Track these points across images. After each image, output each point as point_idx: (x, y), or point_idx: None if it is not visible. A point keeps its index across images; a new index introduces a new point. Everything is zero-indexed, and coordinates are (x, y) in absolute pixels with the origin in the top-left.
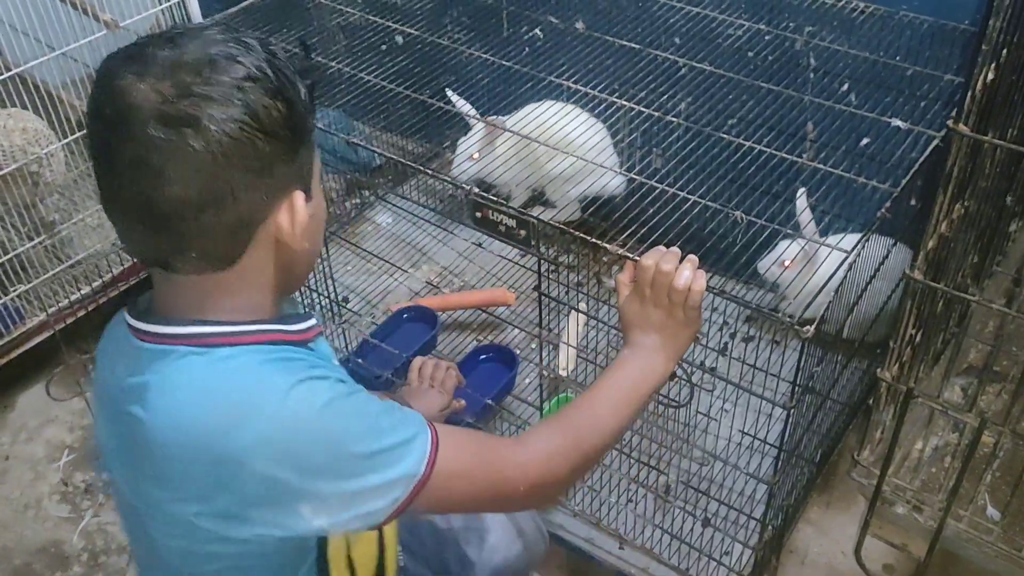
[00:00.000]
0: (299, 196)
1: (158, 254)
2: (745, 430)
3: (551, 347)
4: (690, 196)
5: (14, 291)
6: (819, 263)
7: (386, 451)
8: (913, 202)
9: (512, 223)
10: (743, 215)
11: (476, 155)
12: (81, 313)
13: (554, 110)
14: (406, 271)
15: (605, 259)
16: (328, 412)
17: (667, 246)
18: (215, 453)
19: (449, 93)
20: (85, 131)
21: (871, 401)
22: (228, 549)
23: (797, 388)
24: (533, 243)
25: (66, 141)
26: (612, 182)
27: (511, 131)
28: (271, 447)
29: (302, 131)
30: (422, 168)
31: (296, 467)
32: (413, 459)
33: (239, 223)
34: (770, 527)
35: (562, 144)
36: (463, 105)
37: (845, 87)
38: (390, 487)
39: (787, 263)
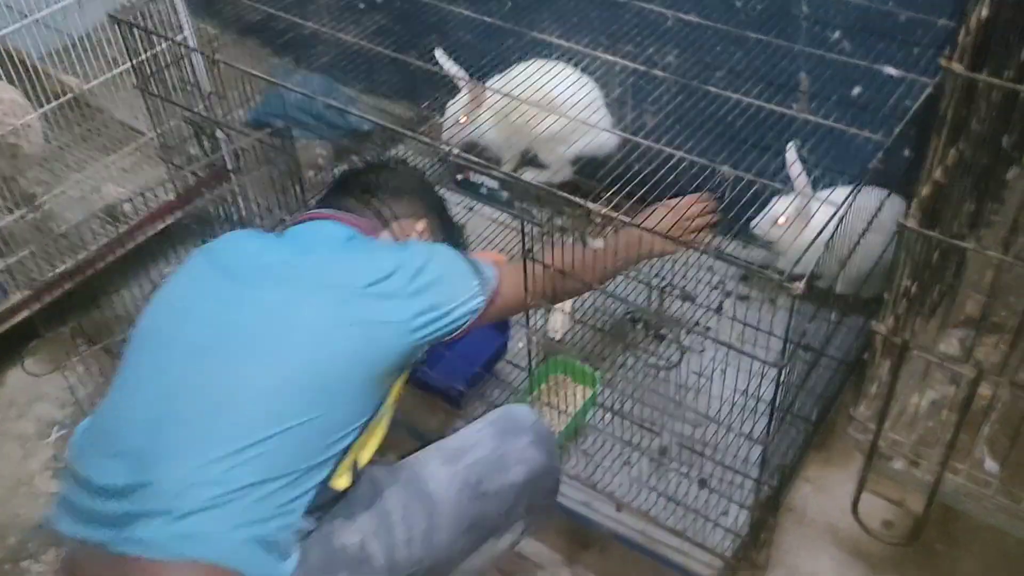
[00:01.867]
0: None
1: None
2: (739, 390)
3: (543, 311)
4: (675, 152)
5: None
6: (811, 217)
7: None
8: (907, 152)
9: (495, 184)
10: (731, 170)
11: (464, 118)
12: (66, 287)
13: (544, 69)
14: None
15: (598, 221)
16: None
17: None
18: None
19: (438, 54)
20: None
21: (866, 356)
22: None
23: (788, 345)
24: (516, 205)
25: (43, 111)
26: (606, 141)
27: (498, 92)
28: None
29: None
30: (411, 133)
31: None
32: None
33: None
34: (766, 487)
35: (552, 104)
36: (451, 66)
37: (837, 35)
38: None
39: (782, 221)
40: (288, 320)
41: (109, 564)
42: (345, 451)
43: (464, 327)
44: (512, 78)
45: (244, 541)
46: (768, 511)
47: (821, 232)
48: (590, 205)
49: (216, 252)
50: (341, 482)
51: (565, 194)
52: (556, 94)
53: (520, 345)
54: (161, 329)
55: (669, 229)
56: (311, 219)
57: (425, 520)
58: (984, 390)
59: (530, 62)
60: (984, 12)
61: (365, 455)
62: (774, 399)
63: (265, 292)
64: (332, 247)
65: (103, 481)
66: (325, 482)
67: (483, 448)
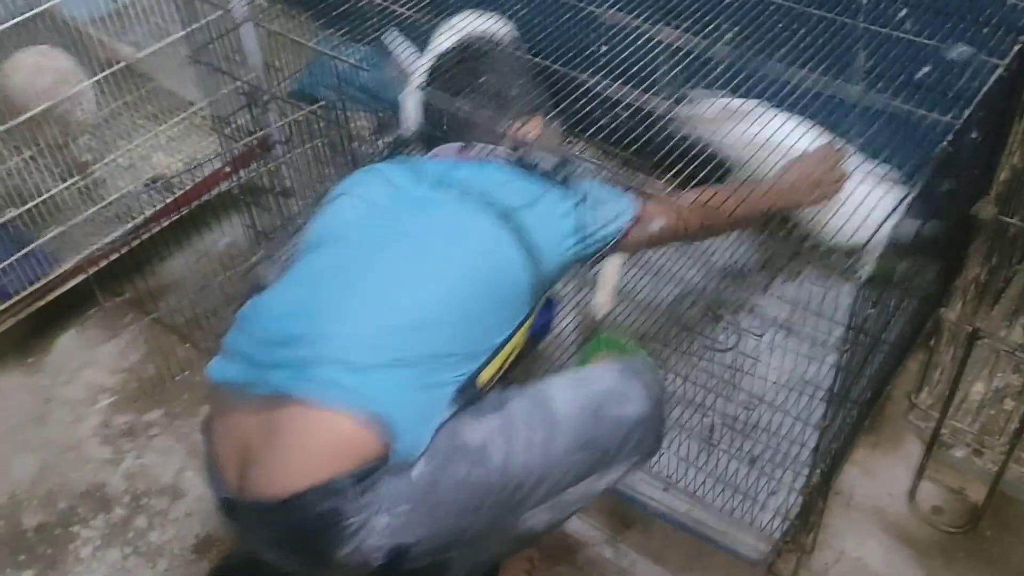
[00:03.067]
0: None
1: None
2: (793, 371)
3: (589, 288)
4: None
5: (48, 233)
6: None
7: None
8: (975, 134)
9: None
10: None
11: None
12: (114, 256)
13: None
14: None
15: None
16: None
17: (703, 183)
18: None
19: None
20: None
21: (931, 342)
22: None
23: (850, 332)
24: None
25: (96, 79)
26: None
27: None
28: None
29: None
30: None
31: None
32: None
33: None
34: (818, 470)
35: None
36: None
37: (903, 13)
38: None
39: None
40: (461, 227)
41: (273, 405)
42: (498, 349)
43: (609, 245)
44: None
45: (410, 404)
46: (819, 495)
47: (887, 219)
48: (652, 182)
49: (380, 173)
50: (486, 375)
51: (625, 174)
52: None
53: (566, 323)
54: (345, 226)
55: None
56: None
57: (545, 430)
58: None
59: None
60: None
61: (500, 365)
62: (833, 385)
63: (437, 203)
64: (494, 174)
65: (277, 331)
66: (477, 372)
67: (605, 382)
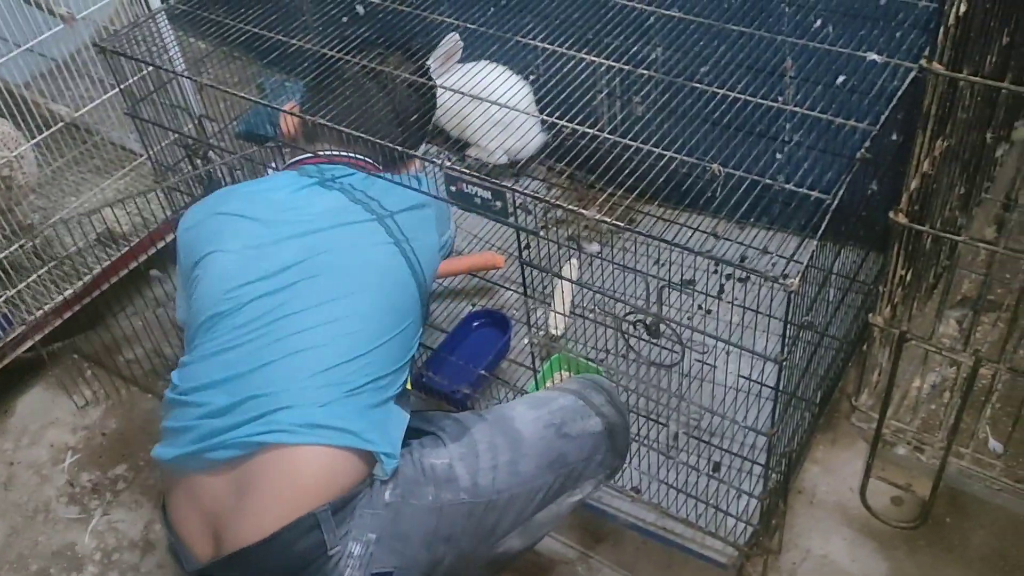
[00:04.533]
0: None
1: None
2: (743, 374)
3: (544, 308)
4: (665, 152)
5: (0, 297)
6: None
7: None
8: (895, 136)
9: (488, 195)
10: (720, 168)
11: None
12: (68, 314)
13: (484, 69)
14: None
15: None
16: None
17: (652, 199)
18: None
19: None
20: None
21: (865, 346)
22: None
23: (787, 340)
24: (511, 214)
25: (35, 141)
26: (532, 141)
27: (442, 87)
28: None
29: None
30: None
31: None
32: None
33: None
34: (774, 475)
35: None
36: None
37: (819, 22)
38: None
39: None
40: (361, 253)
41: (242, 461)
42: (412, 357)
43: (445, 255)
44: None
45: (374, 421)
46: (778, 498)
47: (812, 225)
48: (584, 212)
49: (245, 202)
50: (408, 381)
51: (560, 203)
52: (489, 90)
53: (524, 342)
54: (236, 283)
55: None
56: (331, 163)
57: (510, 452)
58: (984, 371)
59: (475, 63)
60: (962, 7)
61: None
62: (776, 392)
63: (329, 232)
64: (355, 187)
65: (224, 400)
66: (405, 381)
67: (566, 399)
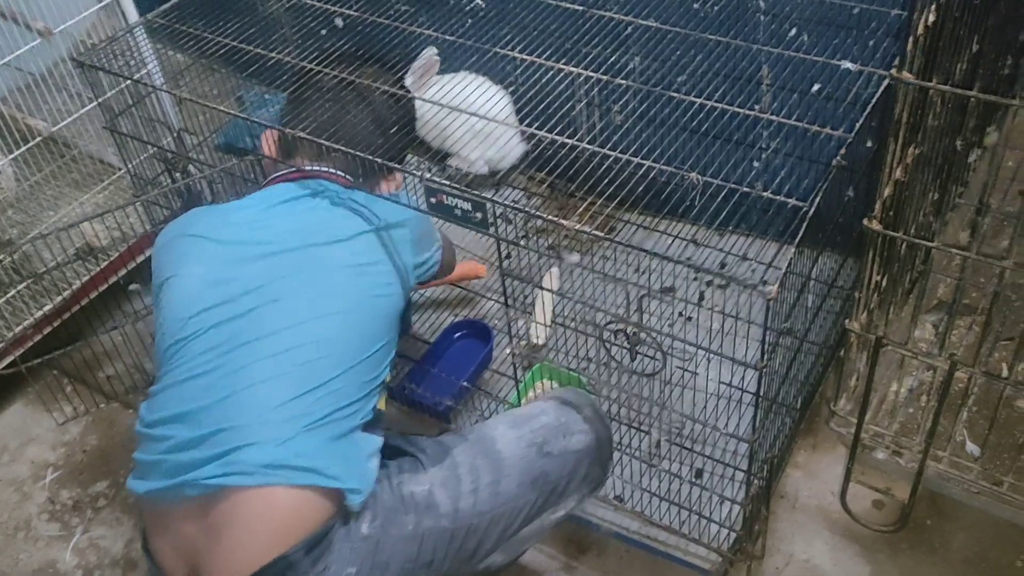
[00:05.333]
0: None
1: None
2: (724, 381)
3: (525, 318)
4: (644, 162)
5: None
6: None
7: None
8: (869, 143)
9: (468, 206)
10: (698, 177)
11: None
12: (47, 330)
13: (463, 80)
14: None
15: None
16: None
17: (632, 208)
18: None
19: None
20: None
21: (842, 352)
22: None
23: (767, 347)
24: (491, 224)
25: (13, 156)
26: (512, 151)
27: (421, 98)
28: None
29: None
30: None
31: None
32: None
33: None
34: (756, 481)
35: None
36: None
37: (794, 31)
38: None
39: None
40: (322, 277)
41: (210, 503)
42: (383, 382)
43: (431, 274)
44: (431, 87)
45: (338, 454)
46: (760, 504)
47: (790, 231)
48: (564, 223)
49: (208, 228)
50: (381, 403)
51: (540, 214)
52: (468, 101)
53: (506, 351)
54: (197, 308)
55: None
56: (309, 178)
57: (491, 473)
58: (960, 374)
59: (454, 74)
60: (930, 17)
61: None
62: (757, 399)
63: (290, 256)
64: (323, 206)
65: (187, 435)
66: (375, 406)
67: (547, 416)
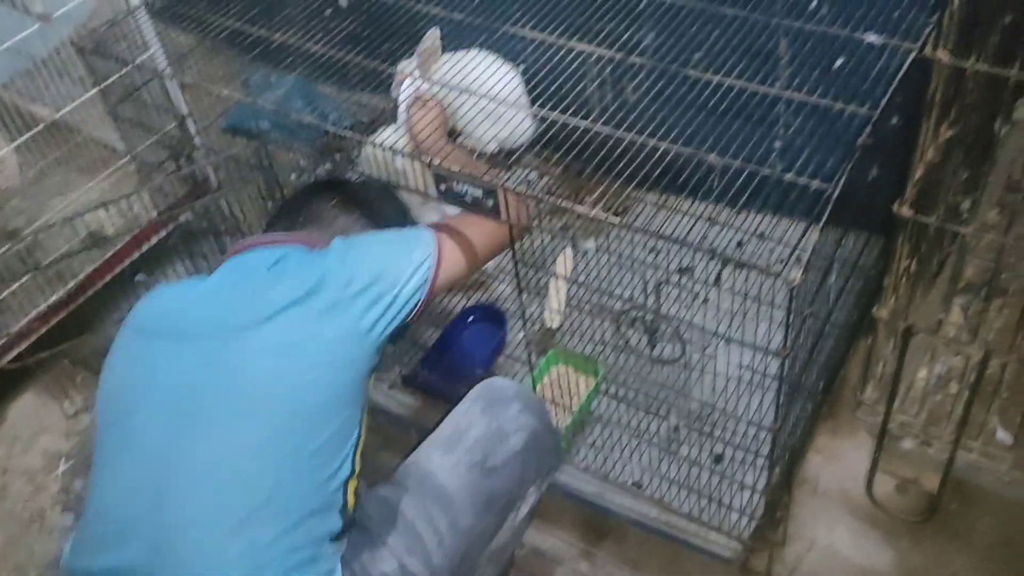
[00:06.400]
0: None
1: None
2: (744, 364)
3: (539, 301)
4: (660, 144)
5: None
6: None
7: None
8: (895, 120)
9: (479, 193)
10: (717, 158)
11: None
12: (56, 319)
13: (474, 59)
14: None
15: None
16: None
17: (648, 188)
18: None
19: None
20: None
21: (870, 340)
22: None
23: (789, 334)
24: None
25: (15, 144)
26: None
27: (430, 81)
28: None
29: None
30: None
31: None
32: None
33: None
34: (777, 469)
35: (471, 89)
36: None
37: (815, 3)
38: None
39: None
40: (243, 370)
41: None
42: (349, 476)
43: (421, 303)
44: (440, 66)
45: None
46: (781, 491)
47: (816, 216)
48: (578, 208)
49: (143, 319)
50: (351, 498)
51: (554, 200)
52: (479, 81)
53: (520, 335)
54: (124, 414)
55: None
56: (241, 251)
57: (446, 514)
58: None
59: (464, 51)
60: None
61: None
62: (779, 387)
63: (210, 347)
64: (257, 279)
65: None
66: (343, 509)
67: (477, 427)
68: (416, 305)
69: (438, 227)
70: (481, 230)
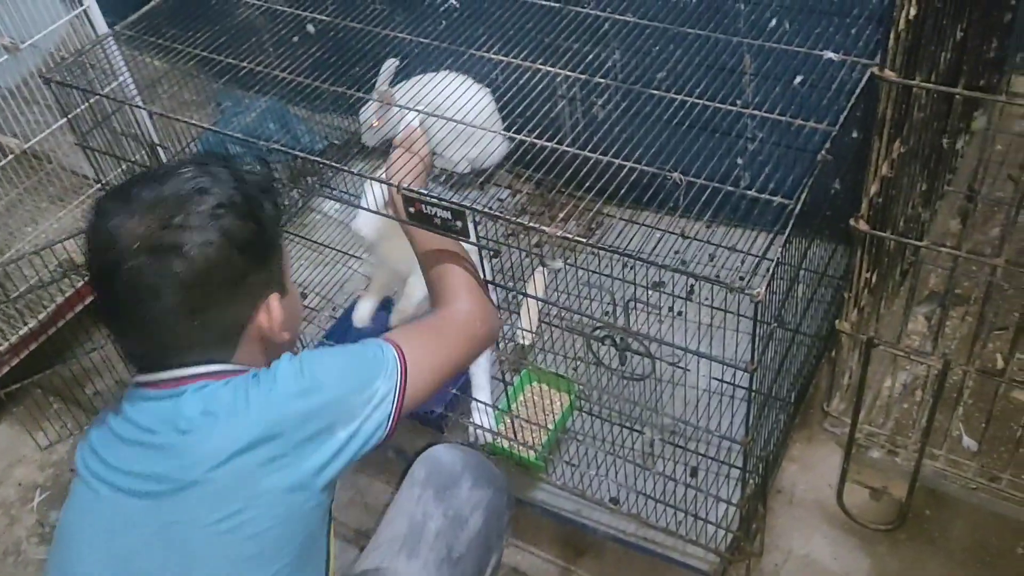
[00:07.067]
0: (274, 298)
1: (164, 359)
2: (715, 377)
3: (511, 320)
4: (626, 163)
5: None
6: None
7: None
8: (855, 134)
9: (448, 215)
10: (681, 177)
11: (376, 122)
12: (32, 346)
13: (441, 79)
14: (359, 258)
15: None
16: None
17: (617, 203)
18: None
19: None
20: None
21: (833, 352)
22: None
23: (757, 347)
24: (472, 233)
25: None
26: (496, 150)
27: (399, 106)
28: None
29: (272, 243)
30: (340, 167)
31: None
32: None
33: (226, 328)
34: (751, 480)
35: (440, 111)
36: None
37: (775, 21)
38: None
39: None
40: (186, 539)
41: None
42: None
43: (388, 431)
44: (411, 87)
45: None
46: (756, 502)
47: (777, 234)
48: (546, 230)
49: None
50: None
51: (522, 221)
52: (447, 103)
53: (492, 355)
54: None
55: None
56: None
57: None
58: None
59: (434, 73)
60: (912, 11)
61: None
62: (749, 401)
63: (145, 515)
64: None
65: None
66: None
67: (435, 519)
68: (382, 435)
69: (400, 338)
70: (452, 331)
